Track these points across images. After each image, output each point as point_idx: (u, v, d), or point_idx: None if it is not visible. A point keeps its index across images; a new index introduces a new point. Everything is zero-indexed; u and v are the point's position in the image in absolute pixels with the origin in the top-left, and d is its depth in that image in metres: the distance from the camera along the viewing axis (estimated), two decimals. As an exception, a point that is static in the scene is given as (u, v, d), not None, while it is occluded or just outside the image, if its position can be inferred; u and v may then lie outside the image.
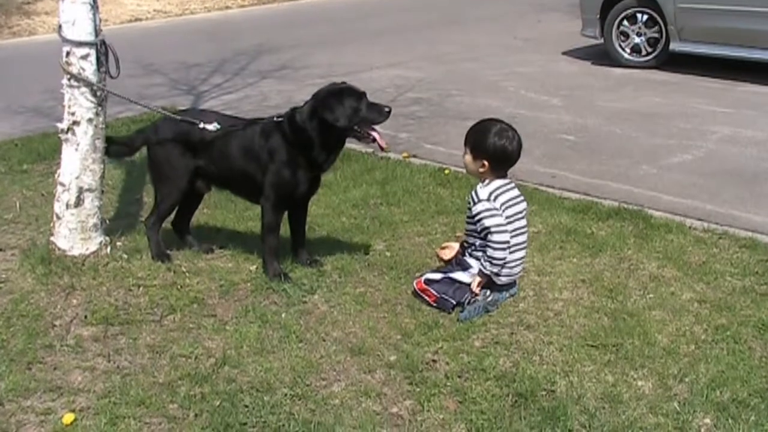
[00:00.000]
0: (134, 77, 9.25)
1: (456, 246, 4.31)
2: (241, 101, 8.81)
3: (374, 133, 4.20)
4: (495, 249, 3.91)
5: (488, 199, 3.93)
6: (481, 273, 3.99)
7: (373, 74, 9.76)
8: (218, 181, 4.55)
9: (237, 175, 4.40)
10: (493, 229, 3.90)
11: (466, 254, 4.11)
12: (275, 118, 4.33)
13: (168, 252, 4.61)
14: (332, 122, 4.11)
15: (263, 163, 4.26)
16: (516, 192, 4.05)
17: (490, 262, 3.94)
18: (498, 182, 3.99)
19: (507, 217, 3.95)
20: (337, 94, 4.17)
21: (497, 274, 3.97)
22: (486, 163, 3.96)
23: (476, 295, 3.98)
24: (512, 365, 3.53)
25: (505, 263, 3.95)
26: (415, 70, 10.03)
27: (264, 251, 4.37)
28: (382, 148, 4.28)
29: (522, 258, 4.10)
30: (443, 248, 4.37)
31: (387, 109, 4.18)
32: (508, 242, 3.92)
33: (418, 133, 7.42)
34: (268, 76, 9.99)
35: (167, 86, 9.62)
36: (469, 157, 4.03)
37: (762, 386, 3.33)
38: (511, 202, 3.99)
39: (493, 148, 3.93)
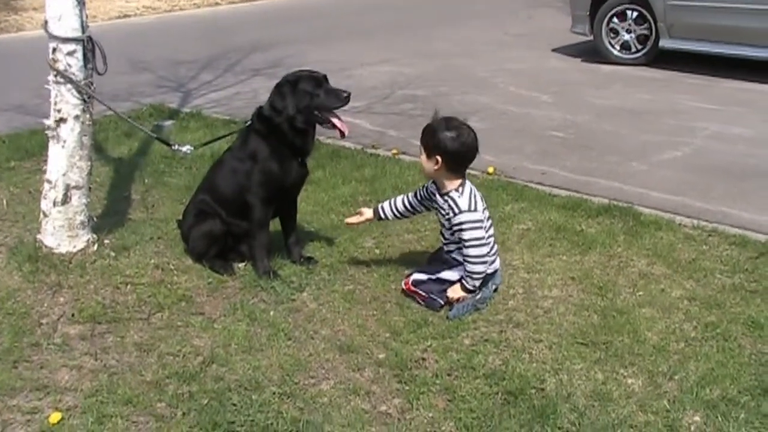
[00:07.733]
0: (123, 74, 9.20)
1: (367, 212, 4.33)
2: (232, 98, 8.76)
3: (334, 119, 4.17)
4: (474, 263, 3.87)
5: (469, 209, 3.85)
6: (463, 287, 3.94)
7: (364, 71, 9.74)
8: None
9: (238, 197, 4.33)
10: (473, 243, 3.85)
11: (450, 254, 4.07)
12: (245, 124, 4.37)
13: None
14: (281, 110, 4.10)
15: (251, 166, 4.24)
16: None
17: (471, 277, 3.90)
18: (468, 186, 3.91)
19: (487, 218, 3.93)
20: (292, 82, 4.15)
21: (476, 288, 3.93)
22: (439, 158, 3.81)
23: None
24: (502, 363, 3.52)
25: (486, 272, 3.94)
26: (407, 67, 10.00)
27: (254, 247, 4.34)
28: (342, 134, 4.21)
29: (496, 249, 4.08)
30: (355, 214, 4.40)
31: (345, 95, 4.14)
32: (486, 254, 3.89)
33: (408, 130, 7.38)
34: (259, 73, 9.92)
35: (156, 83, 9.56)
36: (423, 156, 3.89)
37: (752, 384, 3.33)
38: (483, 203, 3.96)
39: (446, 143, 3.79)
